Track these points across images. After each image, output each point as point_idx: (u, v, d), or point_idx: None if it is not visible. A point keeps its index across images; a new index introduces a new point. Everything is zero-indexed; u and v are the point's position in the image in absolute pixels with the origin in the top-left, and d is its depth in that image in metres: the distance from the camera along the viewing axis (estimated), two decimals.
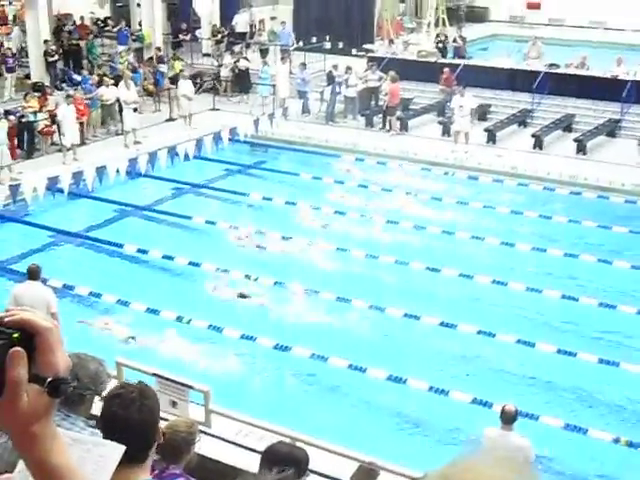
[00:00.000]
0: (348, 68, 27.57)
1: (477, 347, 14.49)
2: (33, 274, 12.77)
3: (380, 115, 27.24)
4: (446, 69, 27.83)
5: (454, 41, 31.59)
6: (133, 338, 14.54)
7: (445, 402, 12.77)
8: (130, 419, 4.13)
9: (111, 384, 5.21)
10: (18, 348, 1.52)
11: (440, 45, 31.37)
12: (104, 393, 4.65)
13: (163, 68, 29.14)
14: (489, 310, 15.88)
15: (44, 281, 16.07)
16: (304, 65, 28.64)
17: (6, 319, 1.55)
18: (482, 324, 14.73)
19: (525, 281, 16.55)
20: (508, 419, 9.71)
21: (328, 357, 13.68)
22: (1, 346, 1.51)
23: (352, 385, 13.46)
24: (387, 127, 26.28)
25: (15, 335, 1.53)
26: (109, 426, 4.07)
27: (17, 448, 1.62)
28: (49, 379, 1.56)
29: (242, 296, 16.13)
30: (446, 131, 25.73)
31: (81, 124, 24.26)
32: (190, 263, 17.36)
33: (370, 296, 15.83)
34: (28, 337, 1.54)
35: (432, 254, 18.09)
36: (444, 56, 30.61)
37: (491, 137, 25.32)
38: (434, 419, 12.74)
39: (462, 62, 29.28)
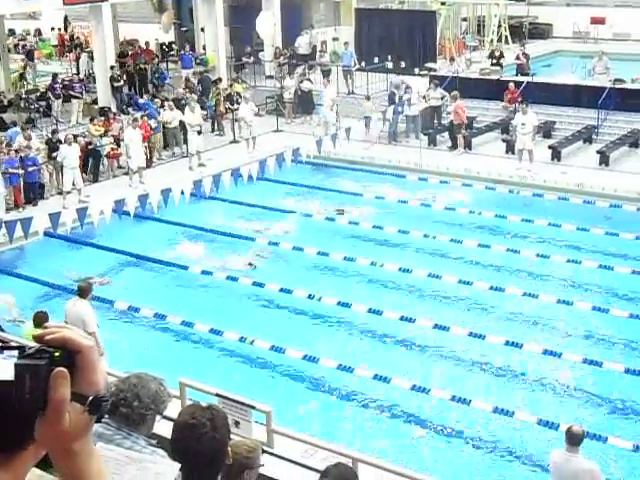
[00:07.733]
0: (407, 87, 27.54)
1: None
2: (80, 291, 12.91)
3: (443, 134, 27.21)
4: (511, 84, 27.68)
5: (517, 58, 31.37)
6: None
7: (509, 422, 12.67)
8: (202, 451, 4.21)
9: (172, 403, 5.24)
10: (62, 368, 1.49)
11: (494, 62, 31.28)
12: (176, 418, 4.62)
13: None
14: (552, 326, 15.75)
15: (111, 303, 16.36)
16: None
17: (47, 337, 1.51)
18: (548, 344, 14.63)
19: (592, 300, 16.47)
20: (575, 441, 9.45)
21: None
22: (44, 365, 1.48)
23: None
24: (455, 145, 26.22)
25: (57, 354, 1.49)
26: (181, 455, 4.11)
27: (56, 465, 1.61)
28: (90, 398, 1.53)
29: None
30: (510, 149, 25.51)
31: (147, 147, 24.62)
32: (254, 283, 17.52)
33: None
34: (69, 355, 1.51)
35: (496, 273, 18.06)
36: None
37: (556, 154, 24.99)
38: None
39: (525, 79, 29.03)
